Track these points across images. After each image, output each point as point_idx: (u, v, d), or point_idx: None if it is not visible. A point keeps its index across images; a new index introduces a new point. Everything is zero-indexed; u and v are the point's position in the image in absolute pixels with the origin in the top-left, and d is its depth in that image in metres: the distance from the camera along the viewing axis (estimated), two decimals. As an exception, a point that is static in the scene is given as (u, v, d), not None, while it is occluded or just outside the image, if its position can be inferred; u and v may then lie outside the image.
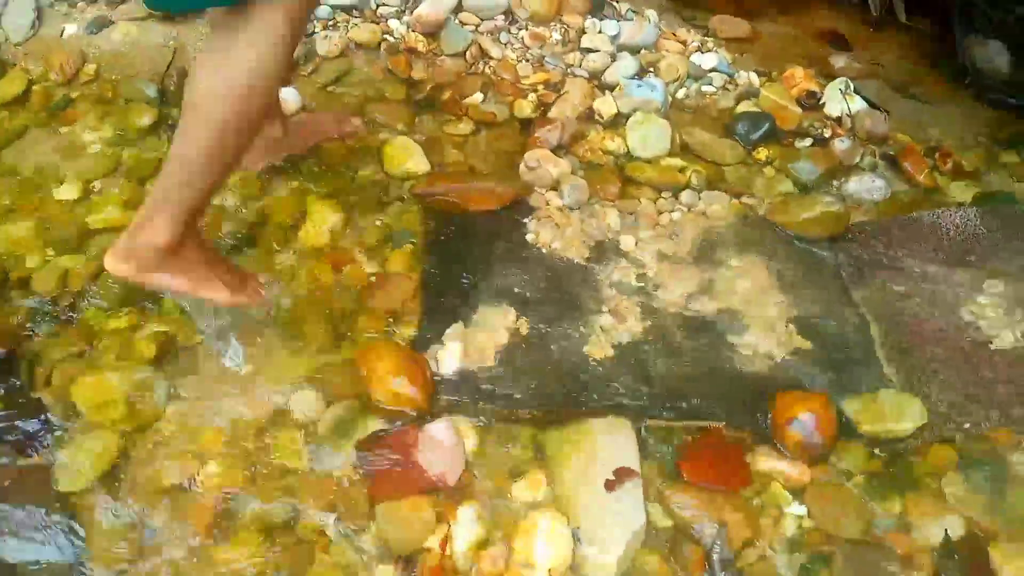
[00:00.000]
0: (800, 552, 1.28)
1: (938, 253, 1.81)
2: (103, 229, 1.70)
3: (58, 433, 1.36)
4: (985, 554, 1.25)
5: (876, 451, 1.42)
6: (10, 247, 1.65)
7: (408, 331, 1.56)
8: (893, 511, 1.33)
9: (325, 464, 1.36)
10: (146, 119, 1.93)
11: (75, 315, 1.55)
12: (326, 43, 2.11)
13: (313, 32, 2.16)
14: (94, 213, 1.73)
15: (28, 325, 1.52)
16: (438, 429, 1.35)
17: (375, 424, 1.40)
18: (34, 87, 2.01)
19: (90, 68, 2.05)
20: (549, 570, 1.20)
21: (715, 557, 1.22)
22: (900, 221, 1.87)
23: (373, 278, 1.64)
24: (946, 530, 1.29)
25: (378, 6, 2.23)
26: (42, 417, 1.37)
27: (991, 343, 1.61)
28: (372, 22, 2.18)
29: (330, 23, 2.18)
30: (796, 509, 1.32)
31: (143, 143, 1.90)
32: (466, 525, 1.26)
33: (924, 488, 1.37)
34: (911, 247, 1.81)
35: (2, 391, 1.40)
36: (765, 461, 1.37)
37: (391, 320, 1.57)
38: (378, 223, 1.74)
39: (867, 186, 1.96)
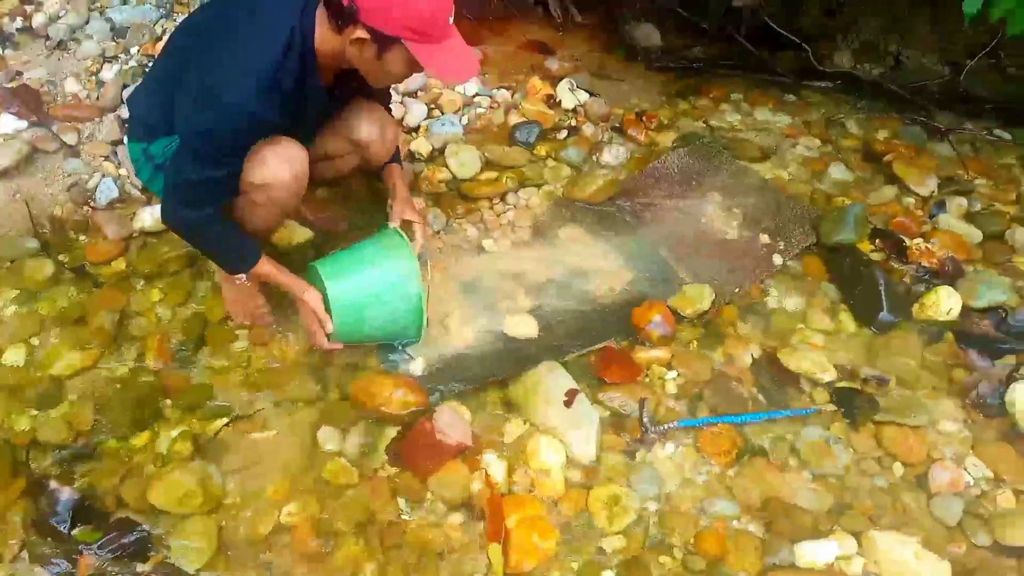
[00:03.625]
0: (684, 397, 2.03)
1: (673, 187, 2.66)
2: (73, 374, 1.91)
3: (158, 532, 1.66)
4: (777, 360, 2.10)
5: (694, 324, 2.21)
6: (-5, 421, 1.81)
7: (374, 363, 2.03)
8: (719, 356, 2.14)
9: (370, 471, 1.81)
10: (44, 271, 2.10)
11: (98, 449, 1.79)
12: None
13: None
14: (54, 365, 1.91)
15: (61, 472, 1.74)
16: (445, 413, 1.88)
17: (391, 431, 1.88)
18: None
19: (-51, 247, 2.13)
20: (559, 467, 1.81)
21: (645, 419, 1.91)
22: (644, 174, 2.68)
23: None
24: (751, 355, 2.12)
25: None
26: (138, 528, 1.65)
27: (726, 236, 2.49)
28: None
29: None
30: (670, 375, 2.07)
31: (53, 291, 2.08)
32: (494, 464, 1.82)
33: (728, 336, 2.19)
34: (657, 188, 2.63)
35: (92, 526, 1.64)
36: (643, 354, 2.10)
37: (360, 360, 2.03)
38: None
39: (614, 154, 2.75)
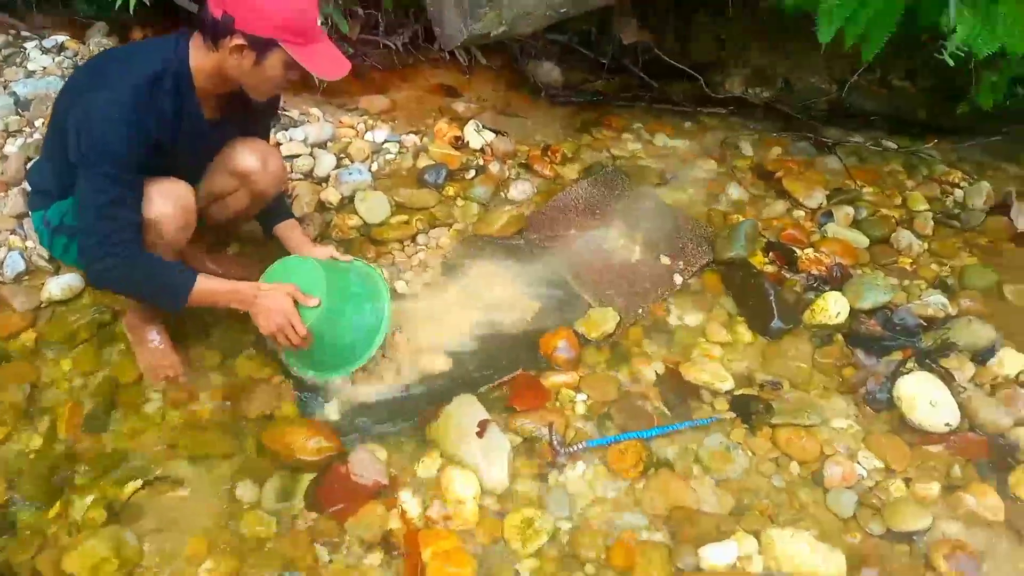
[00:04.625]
0: (593, 418, 2.11)
1: (577, 217, 2.77)
2: (-17, 444, 1.91)
3: (71, 604, 1.66)
4: (679, 375, 2.21)
5: (600, 346, 2.30)
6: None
7: (291, 410, 2.07)
8: (625, 376, 2.23)
9: (288, 520, 1.85)
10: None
11: (13, 523, 1.79)
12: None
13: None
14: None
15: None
16: (359, 456, 1.93)
17: (307, 478, 1.92)
18: None
19: None
20: (473, 497, 1.87)
21: (554, 442, 1.99)
22: (549, 206, 2.79)
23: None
24: (655, 371, 2.23)
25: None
26: (52, 600, 1.65)
27: (630, 259, 2.60)
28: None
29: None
30: (580, 397, 2.15)
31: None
32: (409, 501, 1.87)
33: (634, 355, 2.29)
34: (562, 219, 2.74)
35: (4, 599, 1.64)
36: (551, 379, 2.18)
37: (275, 410, 2.06)
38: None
39: (521, 190, 2.86)
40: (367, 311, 2.04)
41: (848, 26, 2.32)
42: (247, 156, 2.03)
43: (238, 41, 1.68)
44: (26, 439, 1.96)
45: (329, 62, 1.76)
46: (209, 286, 1.86)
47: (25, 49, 3.16)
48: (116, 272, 1.77)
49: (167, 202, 1.82)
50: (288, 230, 2.19)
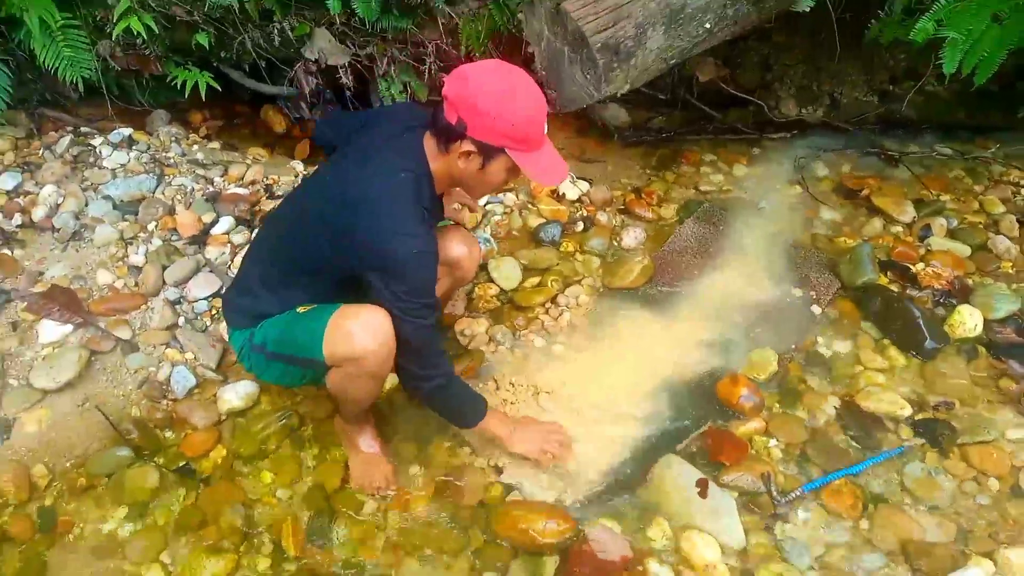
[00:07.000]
0: (791, 461, 2.18)
1: (695, 257, 2.84)
2: (221, 581, 1.86)
3: None
4: (857, 406, 2.29)
5: (769, 387, 2.37)
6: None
7: (498, 493, 2.07)
8: (803, 414, 2.30)
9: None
10: (149, 479, 2.02)
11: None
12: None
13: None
14: (199, 577, 1.86)
15: None
16: (597, 532, 1.95)
17: (551, 561, 1.93)
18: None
19: (38, 471, 2.02)
20: (720, 560, 1.91)
21: (775, 493, 2.05)
22: (666, 251, 2.85)
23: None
24: (833, 407, 2.31)
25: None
26: None
27: (764, 295, 2.68)
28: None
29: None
30: (772, 443, 2.22)
31: (163, 499, 2.00)
32: (659, 571, 1.90)
33: (803, 392, 2.36)
34: (683, 262, 2.81)
35: None
36: (742, 428, 2.24)
37: (486, 495, 2.06)
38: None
39: (633, 236, 2.91)
40: None
41: (967, 56, 2.46)
42: (456, 245, 2.05)
43: (468, 148, 1.70)
44: (253, 563, 1.91)
45: (550, 168, 1.78)
46: (493, 419, 2.03)
47: (93, 146, 3.05)
48: (437, 396, 1.91)
49: (367, 336, 1.76)
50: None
